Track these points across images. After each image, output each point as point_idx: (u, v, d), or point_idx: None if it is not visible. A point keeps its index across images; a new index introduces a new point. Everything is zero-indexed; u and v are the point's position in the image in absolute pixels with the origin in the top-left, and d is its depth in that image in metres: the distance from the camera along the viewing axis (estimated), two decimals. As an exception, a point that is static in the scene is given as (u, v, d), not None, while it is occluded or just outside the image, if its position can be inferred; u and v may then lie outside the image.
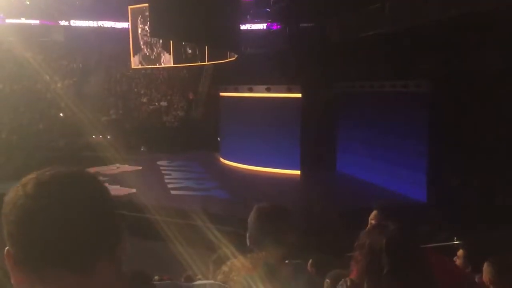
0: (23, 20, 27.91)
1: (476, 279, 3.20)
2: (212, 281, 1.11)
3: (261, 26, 27.53)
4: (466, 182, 12.67)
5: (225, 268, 1.71)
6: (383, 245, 1.75)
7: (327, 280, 3.02)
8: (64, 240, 0.92)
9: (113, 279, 0.98)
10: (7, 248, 0.96)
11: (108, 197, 1.01)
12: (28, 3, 27.63)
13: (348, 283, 1.91)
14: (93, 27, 28.84)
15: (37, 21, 28.29)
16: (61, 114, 23.21)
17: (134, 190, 14.53)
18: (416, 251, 1.82)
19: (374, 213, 3.05)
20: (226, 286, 1.12)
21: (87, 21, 28.78)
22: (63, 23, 28.75)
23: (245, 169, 17.99)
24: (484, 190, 12.22)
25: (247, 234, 2.30)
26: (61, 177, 0.98)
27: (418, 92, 14.02)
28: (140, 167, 18.52)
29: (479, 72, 12.47)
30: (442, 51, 13.67)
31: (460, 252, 3.59)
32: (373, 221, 3.01)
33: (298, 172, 17.06)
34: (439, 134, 13.26)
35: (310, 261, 4.28)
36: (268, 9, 26.95)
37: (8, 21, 27.39)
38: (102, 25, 28.35)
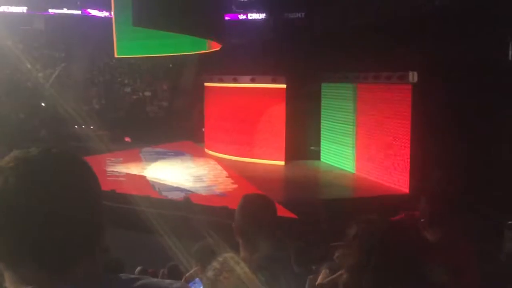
0: (6, 8, 27.40)
1: None
2: (180, 282, 1.09)
3: (246, 16, 27.47)
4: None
5: (216, 265, 1.61)
6: (374, 242, 1.68)
7: (326, 270, 3.00)
8: (46, 240, 0.86)
9: (91, 273, 0.93)
10: None
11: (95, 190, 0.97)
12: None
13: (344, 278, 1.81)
14: (76, 16, 28.47)
15: (23, 10, 27.81)
16: (43, 104, 22.88)
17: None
18: (407, 249, 1.70)
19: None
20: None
21: (70, 10, 28.38)
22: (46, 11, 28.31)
23: (230, 159, 17.96)
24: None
25: (233, 225, 2.29)
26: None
27: (401, 84, 14.03)
28: (121, 158, 18.32)
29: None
30: (428, 42, 13.62)
31: None
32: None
33: (282, 162, 17.09)
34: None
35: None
36: (253, -1, 26.91)
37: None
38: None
